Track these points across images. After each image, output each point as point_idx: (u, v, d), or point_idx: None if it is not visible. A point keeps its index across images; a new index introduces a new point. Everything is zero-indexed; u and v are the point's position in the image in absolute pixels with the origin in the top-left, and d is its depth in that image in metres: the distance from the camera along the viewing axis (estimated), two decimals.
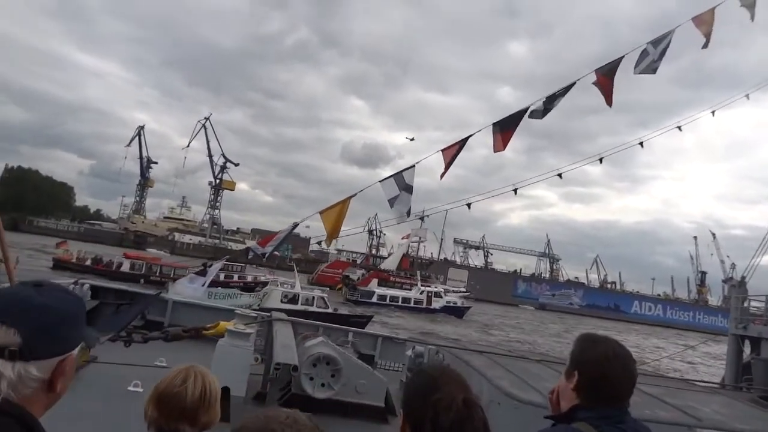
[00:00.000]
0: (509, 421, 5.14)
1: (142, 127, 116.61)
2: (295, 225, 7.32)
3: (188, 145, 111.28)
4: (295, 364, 5.21)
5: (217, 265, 7.30)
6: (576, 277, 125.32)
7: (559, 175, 7.73)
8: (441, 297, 59.93)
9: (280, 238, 7.15)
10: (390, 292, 58.80)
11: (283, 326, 7.32)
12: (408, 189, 7.71)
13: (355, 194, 7.55)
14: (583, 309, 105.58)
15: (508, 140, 7.24)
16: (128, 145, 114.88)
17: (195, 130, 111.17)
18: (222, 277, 41.84)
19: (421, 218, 7.51)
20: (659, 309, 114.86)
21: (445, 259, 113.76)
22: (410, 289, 62.61)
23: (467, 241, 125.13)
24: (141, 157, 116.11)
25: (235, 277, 46.21)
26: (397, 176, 7.52)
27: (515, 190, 7.56)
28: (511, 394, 5.37)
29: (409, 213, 7.67)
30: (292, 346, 6.20)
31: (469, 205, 7.38)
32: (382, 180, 7.58)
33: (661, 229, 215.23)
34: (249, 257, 7.33)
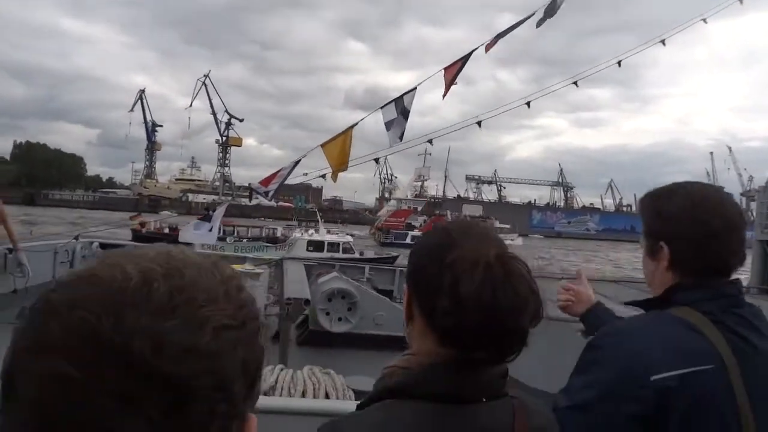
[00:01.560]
0: (539, 338, 4.98)
1: (142, 91, 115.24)
2: (297, 162, 7.01)
3: (191, 105, 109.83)
4: (306, 297, 5.07)
5: (221, 209, 7.09)
6: (591, 204, 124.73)
7: (575, 83, 7.25)
8: None
9: (283, 176, 6.88)
10: (411, 233, 58.72)
11: (294, 264, 7.20)
12: (404, 113, 7.31)
13: (357, 123, 7.19)
14: (600, 233, 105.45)
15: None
16: (131, 110, 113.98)
17: (196, 89, 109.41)
18: (248, 231, 41.99)
19: (429, 141, 7.14)
20: None
21: (458, 196, 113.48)
22: None
23: (479, 176, 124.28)
24: (145, 122, 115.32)
25: (263, 232, 46.39)
26: (398, 100, 7.12)
27: (528, 104, 7.13)
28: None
29: (402, 137, 7.30)
30: (303, 281, 6.06)
31: (479, 123, 6.98)
32: (384, 105, 7.19)
33: (674, 149, 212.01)
34: (252, 199, 7.10)
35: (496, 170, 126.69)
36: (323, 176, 6.78)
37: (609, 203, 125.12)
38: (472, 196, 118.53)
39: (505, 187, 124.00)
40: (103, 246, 9.03)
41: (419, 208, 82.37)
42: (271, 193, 6.80)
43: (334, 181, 7.36)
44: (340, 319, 6.28)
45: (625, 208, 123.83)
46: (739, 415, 1.14)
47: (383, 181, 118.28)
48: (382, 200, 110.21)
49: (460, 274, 0.89)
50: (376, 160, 6.82)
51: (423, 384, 0.91)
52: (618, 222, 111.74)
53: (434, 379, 0.91)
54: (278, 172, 6.99)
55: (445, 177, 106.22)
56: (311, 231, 34.63)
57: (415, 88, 7.28)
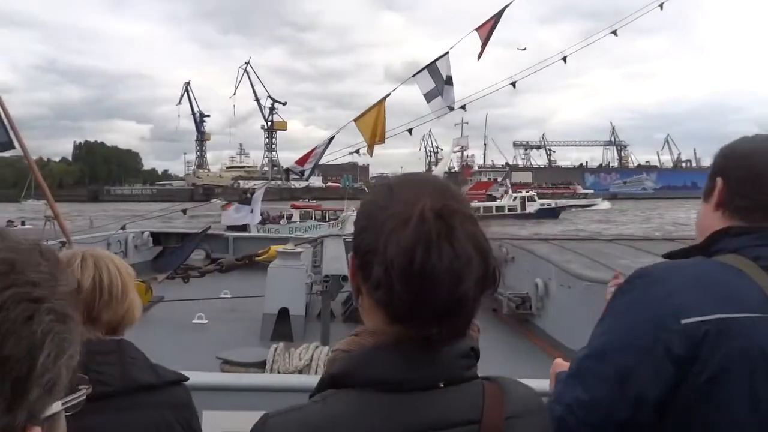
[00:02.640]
0: (582, 302, 4.79)
1: (188, 83, 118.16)
2: (331, 138, 6.96)
3: (234, 93, 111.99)
4: (344, 274, 5.03)
5: (260, 192, 7.15)
6: (647, 161, 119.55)
7: (614, 32, 6.82)
8: (534, 200, 58.79)
9: (318, 154, 6.84)
10: (483, 204, 57.51)
11: (333, 242, 7.18)
12: (447, 80, 7.07)
13: (388, 95, 7.03)
14: (658, 192, 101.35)
15: None
16: (179, 103, 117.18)
17: (238, 77, 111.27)
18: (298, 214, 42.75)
19: (463, 107, 6.91)
20: None
21: (506, 164, 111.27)
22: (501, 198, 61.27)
23: (527, 142, 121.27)
24: (193, 113, 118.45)
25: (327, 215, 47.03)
26: (431, 67, 6.90)
27: (564, 59, 6.77)
28: (580, 275, 4.99)
29: (453, 106, 7.07)
30: (341, 258, 6.04)
31: (514, 83, 6.69)
32: (415, 74, 6.99)
33: (735, 96, 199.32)
34: (290, 177, 7.10)
35: (544, 134, 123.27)
36: (357, 151, 6.71)
37: (666, 160, 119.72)
38: (520, 162, 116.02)
39: (554, 151, 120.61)
40: (153, 235, 9.37)
41: (500, 179, 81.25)
42: (307, 173, 6.79)
43: (370, 156, 7.27)
44: None
45: (684, 164, 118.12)
46: None
47: (429, 154, 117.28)
48: (428, 173, 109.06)
49: (389, 235, 0.75)
50: (410, 131, 6.66)
51: (365, 370, 0.77)
52: (677, 179, 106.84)
53: (377, 363, 0.77)
54: (313, 150, 6.97)
55: (485, 145, 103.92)
56: None
57: (447, 52, 7.04)
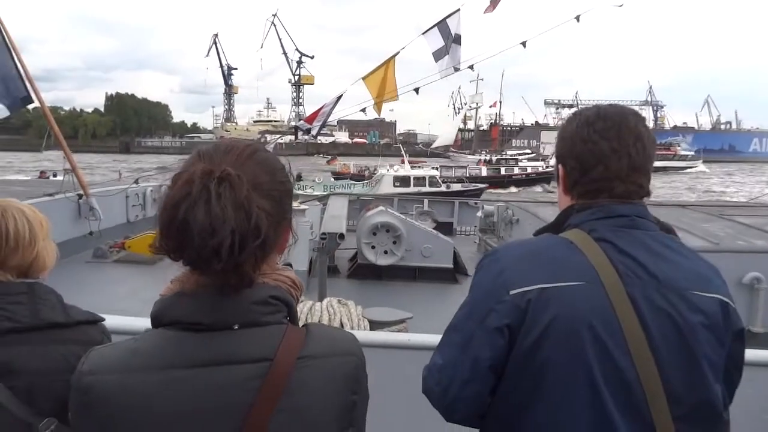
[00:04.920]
0: None
1: (216, 35, 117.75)
2: (339, 97, 6.96)
3: (261, 46, 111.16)
4: (340, 232, 5.15)
5: (269, 148, 7.24)
6: (684, 123, 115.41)
7: None
8: None
9: (326, 113, 6.88)
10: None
11: (338, 200, 7.30)
12: (456, 39, 6.96)
13: (398, 52, 6.96)
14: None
15: None
16: (207, 55, 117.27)
17: (265, 30, 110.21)
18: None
19: (471, 67, 6.77)
20: None
21: (536, 122, 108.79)
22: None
23: (558, 100, 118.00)
24: (221, 66, 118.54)
25: (352, 169, 46.31)
26: (441, 25, 6.78)
27: (578, 17, 6.56)
28: None
29: (458, 67, 6.98)
30: (340, 216, 6.16)
31: (524, 43, 6.53)
32: (425, 32, 6.89)
33: None
34: (298, 136, 7.18)
35: (577, 92, 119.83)
36: (363, 110, 6.72)
37: (705, 121, 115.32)
38: (552, 122, 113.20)
39: None
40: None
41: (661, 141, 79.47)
42: (314, 131, 6.85)
43: (378, 114, 7.27)
44: (386, 252, 6.37)
45: (723, 126, 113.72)
46: (625, 338, 1.04)
47: (456, 110, 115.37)
48: (457, 131, 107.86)
49: (164, 194, 0.87)
50: (416, 90, 6.61)
51: (169, 312, 0.90)
52: (714, 142, 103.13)
53: (177, 307, 0.90)
54: (321, 108, 7.00)
55: (500, 103, 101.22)
56: (396, 167, 34.34)
57: (458, 9, 6.90)
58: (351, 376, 0.93)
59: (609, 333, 1.04)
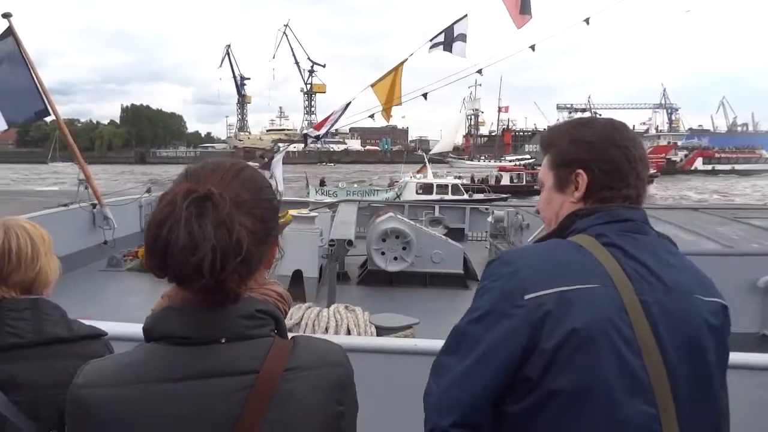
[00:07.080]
0: None
1: (228, 46, 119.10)
2: (348, 104, 7.01)
3: (273, 56, 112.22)
4: (349, 238, 5.16)
5: (279, 156, 7.30)
6: (700, 125, 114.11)
7: None
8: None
9: (334, 120, 6.93)
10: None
11: (347, 207, 7.31)
12: (461, 37, 6.96)
13: (406, 59, 6.99)
14: None
15: None
16: (220, 66, 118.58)
17: (277, 40, 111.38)
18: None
19: (479, 71, 6.80)
20: None
21: (548, 126, 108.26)
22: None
23: (571, 104, 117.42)
24: (234, 76, 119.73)
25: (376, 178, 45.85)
26: (447, 30, 6.80)
27: (587, 20, 6.53)
28: None
29: (463, 56, 6.96)
30: (349, 223, 6.16)
31: (533, 47, 6.52)
32: (432, 38, 6.91)
33: None
34: (308, 143, 7.23)
35: (590, 96, 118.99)
36: (372, 116, 6.75)
37: (721, 124, 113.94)
38: None
39: (600, 114, 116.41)
40: None
41: (680, 143, 79.22)
42: (323, 136, 6.90)
43: (386, 120, 7.30)
44: (395, 259, 6.37)
45: (740, 128, 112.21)
46: (637, 339, 1.04)
47: (468, 117, 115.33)
48: (468, 137, 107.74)
49: (151, 213, 0.90)
50: (425, 96, 6.63)
51: (159, 327, 0.93)
52: (731, 144, 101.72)
53: (166, 321, 0.93)
54: (330, 116, 7.05)
55: (499, 110, 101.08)
56: (419, 175, 34.38)
57: (466, 15, 6.92)
58: (337, 386, 0.95)
59: (624, 335, 1.04)
